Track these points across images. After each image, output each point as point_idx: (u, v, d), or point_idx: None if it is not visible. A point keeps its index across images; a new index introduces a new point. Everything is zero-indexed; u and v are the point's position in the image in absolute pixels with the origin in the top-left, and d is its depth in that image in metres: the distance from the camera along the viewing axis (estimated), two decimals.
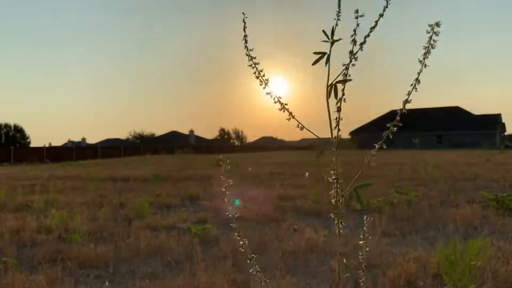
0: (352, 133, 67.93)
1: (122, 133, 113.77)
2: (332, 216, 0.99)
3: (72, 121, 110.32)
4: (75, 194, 9.96)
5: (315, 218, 6.71)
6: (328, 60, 0.91)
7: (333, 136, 0.98)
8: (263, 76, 0.99)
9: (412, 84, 0.95)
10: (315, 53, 0.90)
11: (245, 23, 0.95)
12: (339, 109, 0.94)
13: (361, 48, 0.92)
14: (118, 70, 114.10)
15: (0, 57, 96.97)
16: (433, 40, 0.91)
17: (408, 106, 0.96)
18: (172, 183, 11.77)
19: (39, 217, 6.48)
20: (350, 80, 0.93)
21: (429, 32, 0.91)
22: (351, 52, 0.93)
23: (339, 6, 0.90)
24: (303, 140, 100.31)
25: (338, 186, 0.98)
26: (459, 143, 56.94)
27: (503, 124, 66.04)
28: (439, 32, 0.91)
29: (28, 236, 5.52)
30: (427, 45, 0.92)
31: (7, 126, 62.04)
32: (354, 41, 0.92)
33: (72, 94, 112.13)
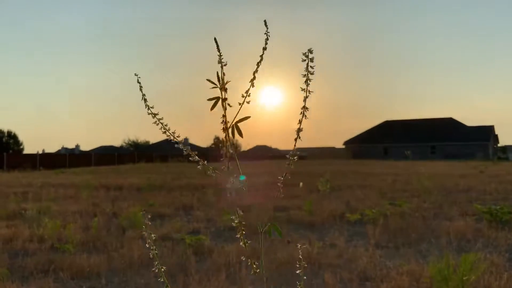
0: (346, 142, 68.10)
1: (116, 141, 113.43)
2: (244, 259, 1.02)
3: (66, 127, 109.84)
4: (68, 202, 9.90)
5: (308, 229, 6.70)
6: (223, 102, 0.93)
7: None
8: (170, 131, 1.00)
9: (301, 113, 0.96)
10: (209, 99, 0.92)
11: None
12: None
13: (252, 85, 0.93)
14: (113, 77, 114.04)
15: None
16: (310, 66, 0.92)
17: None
18: (166, 192, 11.73)
19: (31, 226, 6.43)
20: (249, 117, 0.95)
21: (304, 60, 0.91)
22: (246, 92, 0.94)
23: (218, 50, 0.91)
24: (297, 149, 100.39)
25: (243, 229, 1.01)
26: (452, 154, 57.19)
27: (496, 136, 66.43)
28: (313, 58, 0.91)
29: (20, 245, 5.48)
30: (306, 72, 0.92)
31: (0, 132, 61.68)
32: (252, 81, 0.94)
33: (66, 101, 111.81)
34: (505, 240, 5.65)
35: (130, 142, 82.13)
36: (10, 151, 55.85)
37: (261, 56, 0.94)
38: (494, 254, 4.83)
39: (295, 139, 0.98)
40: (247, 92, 0.94)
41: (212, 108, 0.94)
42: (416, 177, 14.55)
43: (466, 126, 63.10)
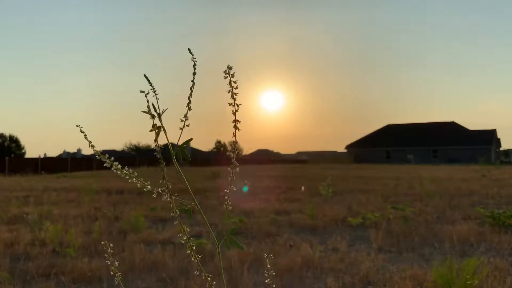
0: (348, 146, 68.05)
1: (117, 145, 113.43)
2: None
3: (67, 131, 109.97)
4: (70, 206, 9.89)
5: (310, 233, 6.68)
6: (164, 130, 0.95)
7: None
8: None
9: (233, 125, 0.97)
10: (151, 130, 0.94)
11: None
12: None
13: (189, 109, 0.95)
14: (115, 81, 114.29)
15: None
16: (233, 82, 0.93)
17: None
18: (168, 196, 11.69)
19: (33, 230, 6.42)
20: (191, 139, 0.98)
21: (226, 77, 0.92)
22: (184, 116, 0.96)
23: (150, 84, 0.92)
24: (299, 153, 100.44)
25: (192, 245, 0.99)
26: (454, 158, 57.11)
27: (498, 140, 66.36)
28: (234, 73, 0.92)
29: (21, 249, 5.47)
30: (230, 89, 0.93)
31: (2, 136, 61.79)
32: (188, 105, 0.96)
33: (68, 105, 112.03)
34: (508, 244, 5.63)
35: (131, 146, 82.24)
36: (12, 155, 55.97)
37: (192, 81, 0.96)
38: (497, 258, 4.80)
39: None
40: (185, 116, 0.95)
41: (155, 139, 0.95)
42: (419, 181, 14.51)
43: (468, 130, 63.05)
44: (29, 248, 5.51)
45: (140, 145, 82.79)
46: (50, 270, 4.51)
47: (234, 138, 0.97)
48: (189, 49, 0.92)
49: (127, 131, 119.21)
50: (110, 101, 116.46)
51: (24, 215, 7.89)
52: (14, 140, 62.73)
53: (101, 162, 0.98)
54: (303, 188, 11.28)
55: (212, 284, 1.02)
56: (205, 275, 1.01)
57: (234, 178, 1.00)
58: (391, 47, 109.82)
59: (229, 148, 1.10)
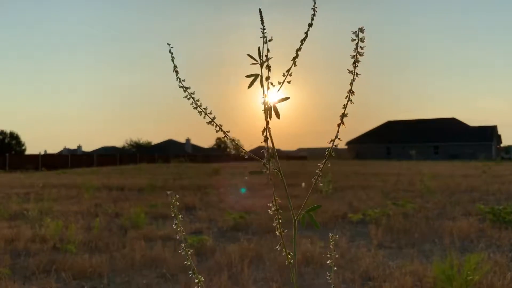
0: (348, 143, 68.01)
1: (118, 141, 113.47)
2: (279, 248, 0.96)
3: (68, 128, 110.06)
4: (70, 203, 9.90)
5: (311, 229, 6.68)
6: (261, 81, 0.86)
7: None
8: (200, 105, 0.94)
9: (346, 96, 0.89)
10: (247, 76, 0.86)
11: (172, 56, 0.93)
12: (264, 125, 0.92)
13: (294, 64, 0.88)
14: (115, 78, 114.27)
15: None
16: (360, 47, 0.85)
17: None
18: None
19: (33, 226, 6.43)
20: (288, 98, 0.88)
21: (354, 39, 0.85)
22: (287, 71, 0.89)
23: (262, 22, 0.86)
24: (300, 149, 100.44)
25: (280, 218, 0.94)
26: (455, 155, 57.07)
27: (499, 136, 66.30)
28: (364, 38, 0.84)
29: (22, 245, 5.47)
30: (355, 53, 0.86)
31: (2, 133, 61.78)
32: (293, 60, 0.88)
33: (68, 101, 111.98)
34: (508, 240, 5.63)
35: (132, 143, 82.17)
36: (13, 152, 55.99)
37: (306, 33, 0.89)
38: (497, 254, 4.81)
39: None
40: (288, 71, 0.88)
41: (249, 86, 0.87)
42: (419, 177, 14.51)
43: (469, 126, 62.98)
44: (29, 244, 5.52)
45: (141, 141, 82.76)
46: (51, 266, 4.52)
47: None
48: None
49: (127, 127, 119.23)
50: (110, 98, 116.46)
51: (25, 212, 7.90)
52: (14, 137, 62.73)
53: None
54: (303, 184, 11.28)
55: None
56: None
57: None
58: (392, 43, 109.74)
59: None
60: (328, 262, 1.04)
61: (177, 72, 0.92)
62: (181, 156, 49.90)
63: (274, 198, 0.94)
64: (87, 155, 47.64)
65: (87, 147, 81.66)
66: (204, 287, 1.02)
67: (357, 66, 0.86)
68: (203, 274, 4.18)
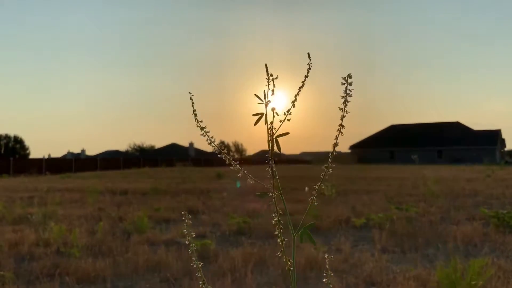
0: (352, 147, 67.94)
1: (121, 145, 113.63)
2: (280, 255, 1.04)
3: (71, 132, 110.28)
4: (74, 207, 9.92)
5: (314, 234, 6.67)
6: (266, 118, 0.99)
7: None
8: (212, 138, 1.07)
9: (338, 129, 1.00)
10: (253, 115, 0.98)
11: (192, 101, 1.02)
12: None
13: (293, 105, 0.99)
14: (119, 82, 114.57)
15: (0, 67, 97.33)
16: (349, 90, 0.97)
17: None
18: (171, 197, 11.75)
19: (37, 230, 6.44)
20: (288, 133, 1.00)
21: (344, 84, 0.97)
22: (287, 111, 1.00)
23: (267, 73, 0.97)
24: (303, 153, 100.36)
25: (281, 228, 1.04)
26: (459, 159, 56.92)
27: (503, 140, 66.10)
28: (352, 82, 0.97)
29: (26, 249, 5.49)
30: (344, 95, 0.98)
31: (7, 137, 62.03)
32: (293, 102, 1.00)
33: (72, 105, 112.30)
34: None
35: (135, 147, 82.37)
36: (17, 156, 56.19)
37: (303, 82, 1.01)
38: (501, 259, 4.79)
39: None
40: (288, 111, 0.99)
41: (255, 124, 0.99)
42: (423, 181, 14.47)
43: (473, 130, 62.83)
44: (33, 248, 5.53)
45: (144, 145, 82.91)
46: (54, 270, 4.53)
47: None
48: (308, 53, 0.99)
49: (131, 131, 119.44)
50: (114, 102, 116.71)
51: (29, 216, 7.93)
52: (18, 141, 62.98)
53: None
54: (306, 188, 11.26)
55: None
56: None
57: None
58: (395, 47, 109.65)
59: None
60: (327, 266, 1.10)
61: (195, 115, 1.03)
62: (185, 160, 50.00)
63: (276, 209, 1.04)
64: (90, 159, 47.76)
65: (91, 151, 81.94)
66: None
67: (347, 105, 0.99)
68: (206, 278, 4.18)
